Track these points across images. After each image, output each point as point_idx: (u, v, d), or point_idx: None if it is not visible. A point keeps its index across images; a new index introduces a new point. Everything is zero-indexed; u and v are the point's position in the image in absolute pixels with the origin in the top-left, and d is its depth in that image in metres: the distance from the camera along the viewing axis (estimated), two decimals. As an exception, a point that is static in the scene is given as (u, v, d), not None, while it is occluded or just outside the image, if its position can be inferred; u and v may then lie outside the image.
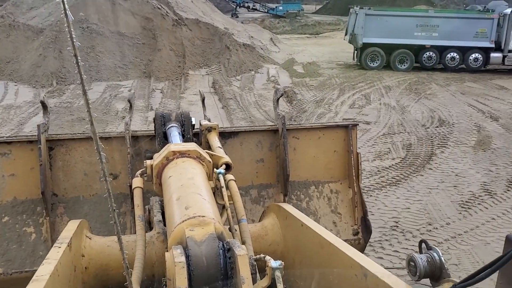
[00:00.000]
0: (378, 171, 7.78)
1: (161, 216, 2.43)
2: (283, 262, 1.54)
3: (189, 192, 2.03)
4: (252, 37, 20.16)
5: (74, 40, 1.19)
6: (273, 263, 1.53)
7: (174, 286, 1.46)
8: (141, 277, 1.90)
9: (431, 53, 18.13)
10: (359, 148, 3.85)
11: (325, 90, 14.52)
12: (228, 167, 2.54)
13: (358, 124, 3.83)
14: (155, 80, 14.99)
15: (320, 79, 16.17)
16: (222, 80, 15.18)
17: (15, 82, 14.16)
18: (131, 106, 3.61)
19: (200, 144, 2.96)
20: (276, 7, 46.45)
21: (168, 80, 15.12)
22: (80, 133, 3.71)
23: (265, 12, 46.03)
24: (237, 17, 39.86)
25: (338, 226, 3.66)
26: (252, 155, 3.63)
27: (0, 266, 3.15)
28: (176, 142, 2.86)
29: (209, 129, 3.11)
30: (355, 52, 18.99)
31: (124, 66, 15.62)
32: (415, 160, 8.39)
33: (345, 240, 2.29)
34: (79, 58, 1.22)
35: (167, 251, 1.66)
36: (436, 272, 1.75)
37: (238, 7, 45.63)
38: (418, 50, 18.09)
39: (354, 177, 3.65)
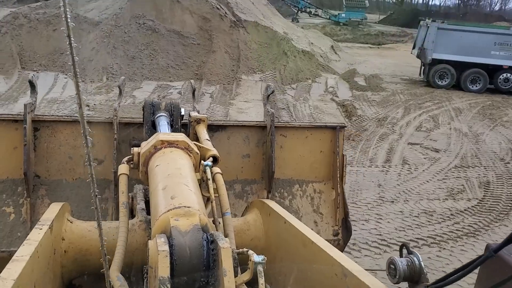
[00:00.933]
0: (451, 214, 6.56)
1: (144, 205, 2.47)
2: (265, 257, 1.57)
3: (176, 182, 2.01)
4: (312, 43, 19.11)
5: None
6: (256, 257, 1.56)
7: (156, 274, 1.46)
8: (121, 264, 1.91)
9: (508, 74, 16.42)
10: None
11: (389, 107, 13.27)
12: (215, 160, 2.52)
13: (346, 126, 3.78)
14: (206, 83, 14.27)
15: (383, 94, 14.90)
16: (276, 88, 14.23)
17: (65, 75, 13.86)
18: (120, 92, 3.63)
19: (188, 135, 2.89)
20: (338, 14, 45.59)
21: (219, 84, 14.36)
22: (66, 116, 3.62)
23: (327, 19, 45.13)
24: (298, 21, 38.95)
25: (319, 226, 3.65)
26: (239, 149, 3.62)
27: None
28: (164, 131, 2.82)
29: (198, 121, 3.09)
30: (423, 67, 17.52)
31: (177, 66, 15.02)
32: (495, 204, 7.09)
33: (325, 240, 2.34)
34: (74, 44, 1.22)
35: (150, 239, 1.65)
36: (415, 276, 1.77)
37: (299, 12, 44.88)
38: (493, 70, 16.42)
39: (338, 179, 3.64)
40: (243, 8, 17.64)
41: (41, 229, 2.14)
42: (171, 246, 1.52)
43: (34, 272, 1.94)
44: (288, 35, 17.60)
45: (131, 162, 2.44)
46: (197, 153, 2.41)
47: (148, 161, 2.32)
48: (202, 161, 2.37)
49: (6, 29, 14.91)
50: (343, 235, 3.62)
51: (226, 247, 1.52)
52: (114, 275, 1.84)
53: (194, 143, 2.52)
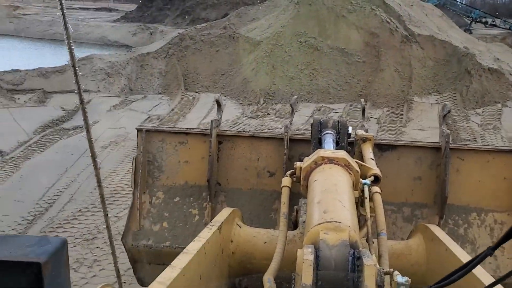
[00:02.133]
0: None
1: (306, 217, 2.48)
2: (409, 279, 1.56)
3: (330, 198, 2.05)
4: (498, 59, 16.16)
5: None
6: (399, 278, 1.57)
7: (301, 281, 1.53)
8: (277, 270, 2.09)
9: None
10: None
11: None
12: (376, 179, 2.51)
13: None
14: (372, 105, 12.66)
15: None
16: (457, 113, 11.99)
17: (225, 96, 13.52)
18: (292, 110, 3.87)
19: (353, 154, 3.05)
20: None
21: (387, 107, 12.64)
22: (245, 132, 4.01)
23: (507, 29, 39.79)
24: (471, 33, 34.81)
25: (498, 261, 3.22)
26: (409, 171, 3.46)
27: (168, 239, 3.48)
28: (328, 148, 2.91)
29: (364, 139, 3.09)
30: None
31: (338, 86, 13.70)
32: None
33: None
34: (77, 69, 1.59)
35: None
36: None
37: (473, 22, 40.36)
38: None
39: None
40: (417, 21, 15.63)
41: (210, 229, 2.37)
42: (317, 257, 1.59)
43: (200, 265, 2.19)
44: (470, 50, 15.05)
45: (294, 175, 2.50)
46: (357, 171, 2.37)
47: (308, 176, 2.37)
48: (361, 179, 2.38)
49: (173, 51, 15.27)
50: None
51: (370, 265, 1.52)
52: (266, 277, 2.04)
53: (356, 161, 2.51)
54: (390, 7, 15.54)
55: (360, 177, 2.41)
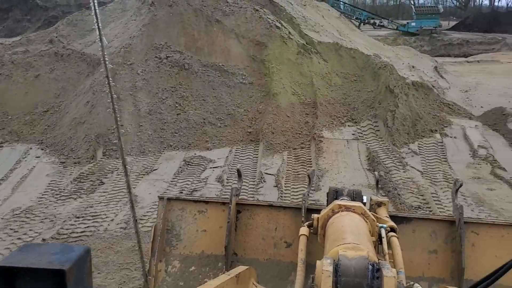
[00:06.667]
0: None
1: None
2: None
3: (348, 231, 2.08)
4: (413, 67, 13.06)
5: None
6: None
7: None
8: None
9: None
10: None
11: None
12: (392, 230, 2.52)
13: None
14: (266, 148, 8.62)
15: None
16: (386, 154, 8.35)
17: (43, 148, 8.67)
18: (310, 181, 3.72)
19: None
20: (408, 23, 39.76)
21: (287, 151, 8.67)
22: (263, 201, 3.92)
23: (395, 29, 39.23)
24: (362, 36, 33.10)
25: None
26: (425, 244, 3.38)
27: None
28: None
29: (379, 204, 3.12)
30: None
31: (218, 121, 9.50)
32: None
33: None
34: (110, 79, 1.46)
35: None
36: None
37: (362, 24, 39.15)
38: None
39: None
40: (314, 24, 11.95)
41: (228, 275, 2.32)
42: (336, 265, 1.61)
43: None
44: (382, 58, 11.68)
45: (311, 227, 2.55)
46: (373, 220, 2.43)
47: (325, 224, 2.43)
48: (378, 223, 2.43)
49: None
50: None
51: (390, 276, 1.54)
52: None
53: (373, 214, 2.56)
54: (280, 7, 11.71)
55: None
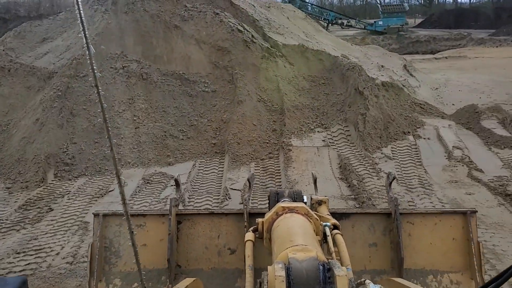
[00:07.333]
0: None
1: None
2: (382, 287, 1.63)
3: (294, 232, 2.09)
4: (382, 66, 12.73)
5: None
6: (372, 286, 1.64)
7: None
8: None
9: None
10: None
11: None
12: (336, 228, 2.58)
13: (476, 211, 3.35)
14: (232, 161, 8.07)
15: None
16: (357, 158, 7.91)
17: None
18: (250, 185, 3.70)
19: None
20: (375, 22, 40.03)
21: (254, 161, 8.14)
22: (204, 210, 3.88)
23: (362, 29, 39.36)
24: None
25: None
26: (365, 238, 3.46)
27: None
28: None
29: (320, 203, 3.16)
30: None
31: (180, 133, 8.90)
32: None
33: None
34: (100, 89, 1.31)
35: None
36: None
37: (330, 24, 39.09)
38: None
39: (476, 268, 3.29)
40: (279, 26, 11.48)
41: None
42: (288, 269, 1.62)
43: None
44: (350, 58, 11.29)
45: (256, 232, 2.51)
46: (317, 219, 2.43)
47: (270, 227, 2.40)
48: (322, 222, 2.45)
49: None
50: None
51: (342, 275, 1.54)
52: None
53: (315, 213, 2.59)
54: (241, 10, 11.20)
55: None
